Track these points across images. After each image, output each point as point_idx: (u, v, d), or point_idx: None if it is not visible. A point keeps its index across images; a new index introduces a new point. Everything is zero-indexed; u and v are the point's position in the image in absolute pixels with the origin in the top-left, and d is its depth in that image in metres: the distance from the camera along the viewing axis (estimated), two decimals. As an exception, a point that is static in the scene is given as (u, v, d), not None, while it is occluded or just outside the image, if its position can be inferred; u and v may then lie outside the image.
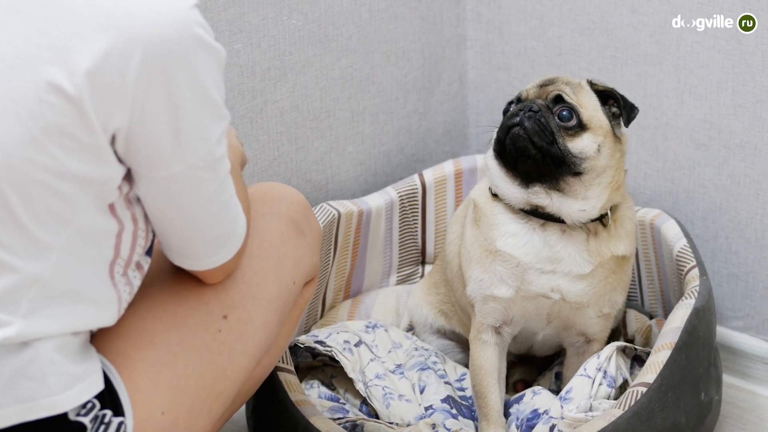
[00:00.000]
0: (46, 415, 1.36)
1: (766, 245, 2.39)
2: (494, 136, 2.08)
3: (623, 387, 2.10)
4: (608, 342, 2.17)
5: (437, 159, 2.83)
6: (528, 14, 2.64)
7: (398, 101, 2.72)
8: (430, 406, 2.18)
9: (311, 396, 2.18)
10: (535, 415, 2.09)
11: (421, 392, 2.22)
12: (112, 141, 1.35)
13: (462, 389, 2.27)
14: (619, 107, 2.06)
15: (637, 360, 2.21)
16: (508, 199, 2.05)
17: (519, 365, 2.37)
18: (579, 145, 1.99)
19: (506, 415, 2.15)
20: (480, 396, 2.10)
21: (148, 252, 1.52)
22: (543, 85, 2.07)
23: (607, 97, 2.06)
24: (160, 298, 1.57)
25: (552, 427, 2.01)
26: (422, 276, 2.64)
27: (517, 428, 2.11)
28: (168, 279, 1.59)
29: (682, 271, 2.23)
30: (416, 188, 2.59)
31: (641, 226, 2.38)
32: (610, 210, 2.06)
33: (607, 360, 2.08)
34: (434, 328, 2.40)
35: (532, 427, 2.08)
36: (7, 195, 1.30)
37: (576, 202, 2.01)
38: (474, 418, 2.18)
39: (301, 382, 2.18)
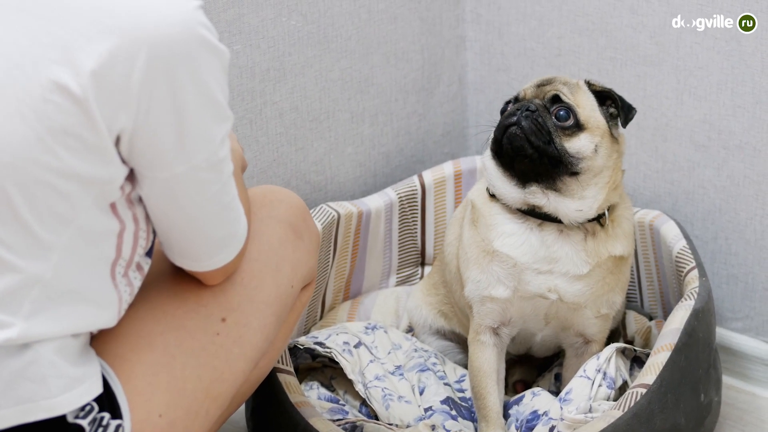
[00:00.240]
0: (45, 417, 1.36)
1: (765, 246, 2.39)
2: (491, 135, 2.08)
3: (623, 388, 2.10)
4: (607, 343, 2.17)
5: (437, 160, 2.83)
6: (527, 15, 2.64)
7: (398, 102, 2.72)
8: (430, 408, 2.18)
9: (311, 397, 2.18)
10: (535, 417, 2.09)
11: (421, 393, 2.22)
12: (117, 142, 1.35)
13: (461, 390, 2.27)
14: (616, 108, 2.06)
15: (637, 361, 2.20)
16: (505, 198, 2.05)
17: (518, 366, 2.37)
18: (576, 145, 2.00)
19: (506, 416, 2.15)
20: (479, 397, 2.10)
21: (148, 253, 1.52)
22: (540, 85, 2.07)
23: (604, 97, 2.06)
24: (159, 300, 1.57)
25: (552, 429, 2.01)
26: (422, 277, 2.64)
27: (517, 429, 2.11)
28: (167, 281, 1.59)
29: (682, 272, 2.23)
30: (416, 189, 2.58)
31: (641, 228, 2.38)
32: (608, 210, 2.06)
33: (606, 361, 2.08)
34: (434, 329, 2.40)
35: (532, 429, 2.07)
36: (11, 194, 1.31)
37: (573, 202, 2.01)
38: (473, 420, 2.18)
39: (300, 383, 2.18)
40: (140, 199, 1.45)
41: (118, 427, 1.43)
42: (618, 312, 2.20)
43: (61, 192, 1.33)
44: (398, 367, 2.29)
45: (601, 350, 2.13)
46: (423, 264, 2.67)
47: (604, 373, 2.06)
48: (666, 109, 2.45)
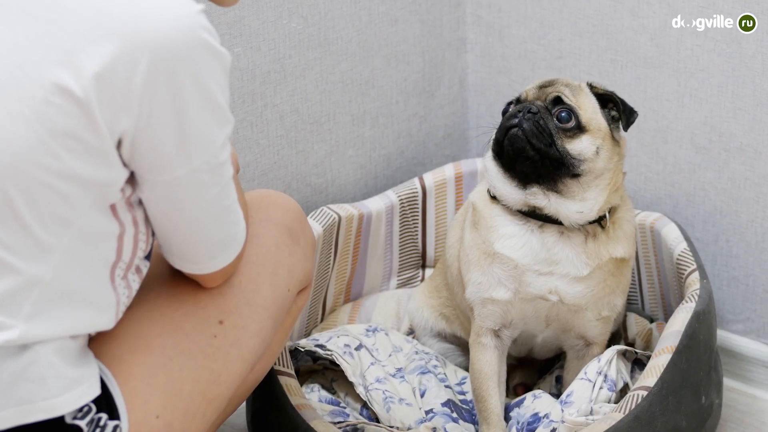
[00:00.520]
0: (44, 418, 1.36)
1: (766, 248, 2.39)
2: (493, 136, 2.08)
3: (624, 391, 2.10)
4: (608, 345, 2.17)
5: (437, 162, 2.83)
6: (528, 17, 2.64)
7: (398, 105, 2.72)
8: (431, 410, 2.18)
9: (312, 400, 2.18)
10: (536, 419, 2.09)
11: (422, 396, 2.22)
12: (118, 145, 1.35)
13: (462, 393, 2.27)
14: (618, 111, 2.06)
15: (638, 364, 2.20)
16: (505, 200, 2.05)
17: (519, 369, 2.37)
18: (577, 146, 2.00)
19: (507, 418, 2.15)
20: (480, 399, 2.10)
21: (147, 256, 1.52)
22: (542, 87, 2.07)
23: (606, 100, 2.06)
24: (157, 302, 1.57)
25: (552, 431, 2.01)
26: (422, 280, 2.64)
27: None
28: (165, 283, 1.60)
29: (683, 274, 2.23)
30: (416, 192, 2.58)
31: (641, 230, 2.38)
32: (609, 212, 2.06)
33: (607, 364, 2.08)
34: (435, 331, 2.40)
35: (533, 431, 2.07)
36: (11, 196, 1.31)
37: (574, 204, 2.01)
38: (475, 422, 2.18)
39: (301, 385, 2.18)
40: (140, 202, 1.45)
41: (115, 427, 1.43)
42: (619, 314, 2.20)
43: (61, 194, 1.33)
44: (399, 370, 2.29)
45: (602, 352, 2.13)
46: (424, 266, 2.67)
47: (605, 376, 2.06)
48: (667, 111, 2.45)
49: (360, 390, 2.19)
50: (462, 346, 2.39)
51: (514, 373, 2.35)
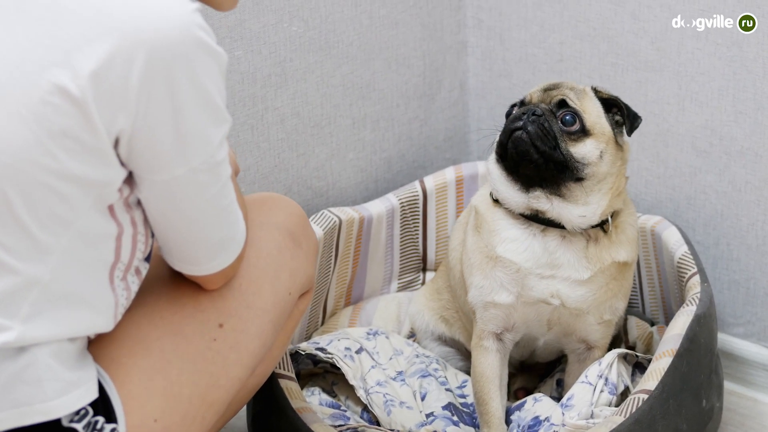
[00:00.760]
0: (41, 421, 1.36)
1: (767, 252, 2.39)
2: (496, 139, 2.07)
3: (624, 394, 2.09)
4: (609, 349, 2.17)
5: (438, 166, 2.83)
6: (529, 21, 2.64)
7: (399, 108, 2.72)
8: (431, 413, 2.18)
9: (312, 403, 2.18)
10: (537, 422, 2.09)
11: (422, 399, 2.22)
12: (116, 144, 1.35)
13: (463, 396, 2.27)
14: (622, 116, 2.06)
15: (639, 367, 2.20)
16: (508, 203, 2.05)
17: (520, 373, 2.37)
18: (582, 150, 1.99)
19: (507, 422, 2.15)
20: (481, 403, 2.10)
21: (147, 258, 1.52)
22: (547, 90, 2.06)
23: (611, 105, 2.06)
24: (156, 305, 1.57)
25: (553, 434, 2.01)
26: (423, 283, 2.64)
27: (519, 435, 2.11)
28: (165, 286, 1.59)
29: (683, 277, 2.23)
30: (417, 195, 2.58)
31: (642, 233, 2.38)
32: (611, 216, 2.05)
33: (608, 367, 2.08)
34: (435, 334, 2.40)
35: (534, 434, 2.08)
36: (10, 196, 1.31)
37: (576, 208, 2.01)
38: (475, 425, 2.18)
39: (302, 389, 2.18)
40: (138, 203, 1.45)
41: (112, 431, 1.43)
42: (620, 318, 2.20)
43: (60, 194, 1.33)
44: (400, 373, 2.29)
45: (604, 356, 2.12)
46: (424, 270, 2.67)
47: (606, 379, 2.06)
48: (667, 115, 2.45)
49: (361, 393, 2.18)
50: (462, 350, 2.39)
51: (515, 377, 2.35)
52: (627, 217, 2.10)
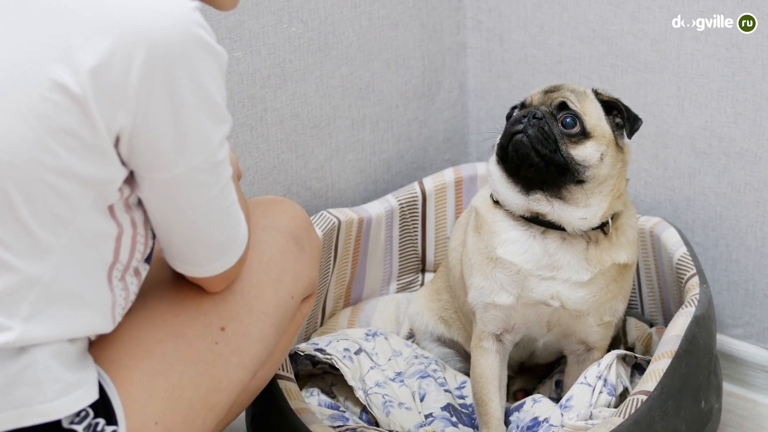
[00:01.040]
0: (41, 422, 1.36)
1: (766, 253, 2.39)
2: (497, 141, 2.07)
3: (623, 395, 2.09)
4: (608, 350, 2.17)
5: (437, 167, 2.83)
6: (528, 22, 2.64)
7: (398, 109, 2.72)
8: (430, 414, 2.18)
9: (311, 404, 2.18)
10: (536, 423, 2.09)
11: (421, 400, 2.22)
12: (116, 143, 1.35)
13: (462, 397, 2.27)
14: (623, 118, 2.05)
15: (638, 368, 2.20)
16: (508, 205, 2.05)
17: (519, 375, 2.37)
18: (582, 152, 1.99)
19: (506, 423, 2.15)
20: (481, 403, 2.10)
21: (147, 259, 1.52)
22: (548, 92, 2.06)
23: (611, 107, 2.06)
24: (158, 307, 1.57)
25: (552, 435, 2.01)
26: (422, 284, 2.64)
27: (517, 436, 2.11)
28: (167, 288, 1.59)
29: (682, 279, 2.23)
30: (416, 196, 2.58)
31: (641, 234, 2.38)
32: (612, 218, 2.05)
33: (607, 368, 2.08)
34: (435, 335, 2.40)
35: (533, 435, 2.08)
36: (10, 194, 1.31)
37: (577, 210, 2.01)
38: (474, 426, 2.18)
39: (301, 389, 2.18)
40: (138, 204, 1.45)
41: None
42: (619, 319, 2.20)
43: (60, 192, 1.33)
44: (399, 374, 2.29)
45: (603, 357, 2.12)
46: (423, 271, 2.67)
47: (605, 380, 2.06)
48: (667, 116, 2.45)
49: (359, 394, 2.18)
50: (461, 351, 2.39)
51: (514, 379, 2.35)
52: (627, 219, 2.10)
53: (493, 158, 2.09)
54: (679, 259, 2.26)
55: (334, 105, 2.57)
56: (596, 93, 2.07)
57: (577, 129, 2.00)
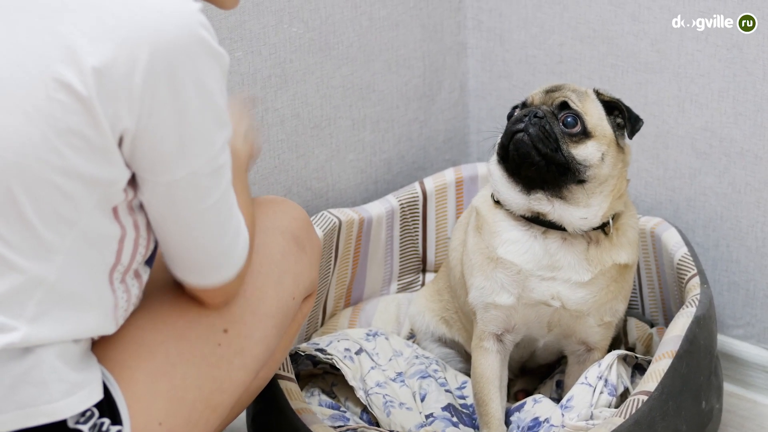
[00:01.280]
0: (46, 422, 1.36)
1: (766, 254, 2.39)
2: (498, 140, 2.07)
3: (624, 395, 2.09)
4: (609, 350, 2.17)
5: (438, 167, 2.83)
6: (529, 22, 2.64)
7: (399, 109, 2.72)
8: (431, 414, 2.18)
9: (312, 404, 2.18)
10: (536, 423, 2.09)
11: (422, 400, 2.22)
12: (120, 143, 1.35)
13: (463, 397, 2.27)
14: (624, 118, 2.05)
15: (638, 368, 2.20)
16: (509, 205, 2.05)
17: (520, 376, 2.37)
18: (583, 152, 1.99)
19: (507, 423, 2.15)
20: (481, 403, 2.10)
21: (149, 262, 1.52)
22: (549, 91, 2.06)
23: (612, 107, 2.06)
24: (161, 309, 1.57)
25: (553, 436, 2.01)
26: (423, 284, 2.64)
27: (518, 436, 2.11)
28: (170, 291, 1.59)
29: (683, 279, 2.23)
30: (417, 196, 2.58)
31: (642, 235, 2.38)
32: (613, 218, 2.05)
33: (608, 368, 2.08)
34: (436, 336, 2.39)
35: (533, 436, 2.08)
36: (16, 194, 1.31)
37: (578, 210, 2.01)
38: (475, 426, 2.18)
39: (301, 390, 2.18)
40: (141, 207, 1.45)
41: None
42: (620, 320, 2.20)
43: (65, 192, 1.33)
44: (399, 374, 2.29)
45: (603, 358, 2.12)
46: (424, 271, 2.66)
47: (606, 380, 2.06)
48: (667, 117, 2.45)
49: (360, 394, 2.18)
50: (462, 351, 2.39)
51: (515, 380, 2.35)
52: (628, 219, 2.10)
53: (494, 158, 2.08)
54: (679, 260, 2.26)
55: (335, 105, 2.58)
56: (597, 93, 2.07)
57: (578, 128, 2.00)
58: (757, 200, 2.36)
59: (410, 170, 2.79)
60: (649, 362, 2.18)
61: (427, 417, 2.18)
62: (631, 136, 2.06)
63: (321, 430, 1.90)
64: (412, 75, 2.72)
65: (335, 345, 2.28)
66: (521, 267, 2.03)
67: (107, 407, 1.43)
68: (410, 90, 2.73)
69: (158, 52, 1.32)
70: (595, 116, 2.02)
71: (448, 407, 2.19)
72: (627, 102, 2.14)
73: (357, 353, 2.29)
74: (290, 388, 2.00)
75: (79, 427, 1.39)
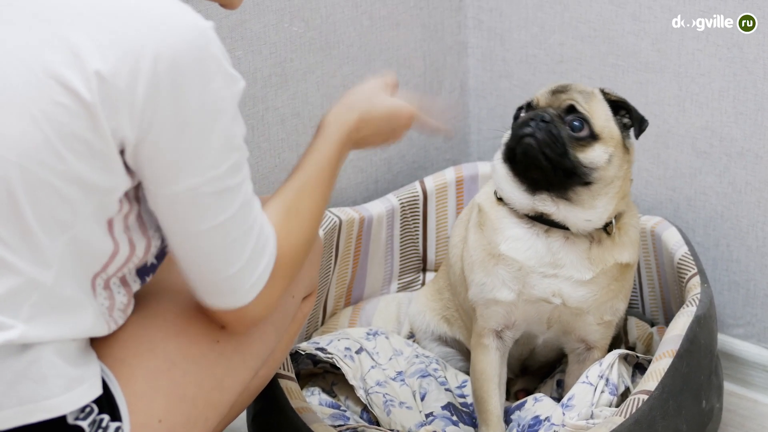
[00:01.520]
0: (46, 418, 1.36)
1: (767, 253, 2.39)
2: (504, 141, 2.06)
3: (625, 395, 2.09)
4: (609, 349, 2.17)
5: (438, 166, 2.83)
6: (529, 22, 2.64)
7: (399, 108, 2.72)
8: (431, 413, 2.18)
9: (312, 403, 2.18)
10: (537, 422, 2.09)
11: (422, 399, 2.22)
12: (122, 151, 1.35)
13: (463, 396, 2.27)
14: (631, 118, 2.05)
15: (639, 368, 2.20)
16: (513, 203, 2.05)
17: (520, 375, 2.37)
18: (590, 155, 1.99)
19: (507, 421, 2.15)
20: (480, 401, 2.10)
21: (148, 274, 1.51)
22: (555, 93, 2.05)
23: (618, 107, 2.06)
24: (160, 307, 1.57)
25: (553, 435, 2.01)
26: (423, 284, 2.64)
27: (518, 435, 2.11)
28: (170, 288, 1.59)
29: (683, 278, 2.23)
30: (417, 195, 2.59)
31: (642, 234, 2.38)
32: (615, 218, 2.05)
33: (609, 368, 2.08)
34: (436, 335, 2.40)
35: (534, 434, 2.08)
36: (17, 195, 1.31)
37: (583, 212, 2.00)
38: (475, 425, 2.18)
39: (302, 389, 2.18)
40: (139, 224, 1.44)
41: (117, 429, 1.43)
42: (620, 319, 2.20)
43: (63, 196, 1.33)
44: (399, 373, 2.29)
45: (603, 357, 2.13)
46: (424, 270, 2.67)
47: (607, 380, 2.06)
48: (668, 116, 2.45)
49: (360, 393, 2.19)
50: (462, 350, 2.39)
51: (515, 380, 2.35)
52: (630, 219, 2.10)
53: (499, 156, 2.08)
54: (680, 259, 2.26)
55: (336, 104, 2.57)
56: (603, 93, 2.07)
57: (585, 132, 1.99)
58: (758, 200, 2.36)
59: (411, 169, 2.79)
60: (649, 361, 2.18)
61: (427, 416, 2.18)
62: (637, 136, 2.06)
63: (321, 429, 1.90)
64: (412, 74, 2.72)
65: (335, 344, 2.28)
66: (523, 264, 2.03)
67: (107, 404, 1.43)
68: (411, 89, 2.73)
69: (163, 66, 1.31)
70: (602, 118, 2.02)
71: (448, 406, 2.19)
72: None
73: (357, 352, 2.29)
74: (290, 387, 2.00)
75: (79, 423, 1.39)
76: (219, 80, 1.37)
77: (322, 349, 2.24)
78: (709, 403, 2.09)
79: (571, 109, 2.01)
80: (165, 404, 1.49)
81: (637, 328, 2.41)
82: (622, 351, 2.13)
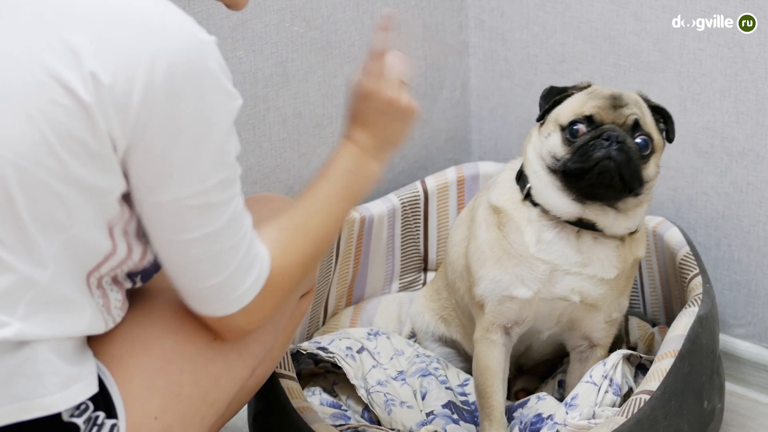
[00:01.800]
0: (41, 415, 1.36)
1: (768, 253, 2.40)
2: (560, 156, 2.00)
3: (627, 395, 2.09)
4: (612, 350, 2.17)
5: (439, 166, 2.83)
6: (531, 22, 2.64)
7: (400, 108, 2.72)
8: (432, 412, 2.18)
9: (313, 403, 2.18)
10: (539, 420, 2.09)
11: (423, 398, 2.22)
12: (115, 153, 1.35)
13: (464, 394, 2.27)
14: (666, 123, 2.07)
15: (641, 368, 2.20)
16: (556, 211, 2.02)
17: (521, 376, 2.37)
18: (649, 171, 2.01)
19: (510, 418, 2.15)
20: (484, 396, 2.10)
21: (144, 278, 1.51)
22: (615, 107, 2.01)
23: (657, 113, 2.07)
24: (156, 305, 1.57)
25: (555, 434, 2.01)
26: (424, 283, 2.64)
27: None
28: (166, 288, 1.59)
29: (685, 278, 2.23)
30: (418, 195, 2.58)
31: (644, 234, 2.38)
32: None
33: (613, 368, 2.08)
34: (436, 335, 2.39)
35: (537, 431, 2.07)
36: (13, 195, 1.31)
37: (626, 220, 2.02)
38: (475, 423, 2.18)
39: (303, 388, 2.18)
40: (137, 234, 1.44)
41: (113, 426, 1.42)
42: (622, 316, 2.20)
43: (60, 197, 1.33)
44: (400, 373, 2.29)
45: (606, 356, 2.13)
46: (426, 270, 2.66)
47: (611, 380, 2.06)
48: (669, 116, 2.45)
49: (361, 393, 2.19)
50: (462, 350, 2.39)
51: (515, 380, 2.35)
52: None
53: (539, 166, 2.04)
54: (681, 259, 2.26)
55: (337, 104, 2.57)
56: (644, 99, 2.07)
57: (649, 150, 2.00)
58: (759, 199, 2.36)
59: (412, 169, 2.79)
60: (651, 361, 2.18)
61: (427, 415, 2.18)
62: (671, 141, 2.07)
63: (322, 428, 1.90)
64: (412, 74, 2.72)
65: (337, 344, 2.28)
66: (554, 265, 2.02)
67: (102, 401, 1.42)
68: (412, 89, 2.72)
69: (159, 73, 1.31)
70: (655, 130, 2.03)
71: (448, 404, 2.19)
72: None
73: (358, 352, 2.29)
74: (291, 387, 2.00)
75: (74, 420, 1.39)
76: (215, 94, 1.37)
77: (323, 349, 2.24)
78: (710, 404, 2.09)
79: (637, 126, 2.00)
80: (161, 402, 1.49)
81: (638, 329, 2.41)
82: (626, 351, 2.13)
